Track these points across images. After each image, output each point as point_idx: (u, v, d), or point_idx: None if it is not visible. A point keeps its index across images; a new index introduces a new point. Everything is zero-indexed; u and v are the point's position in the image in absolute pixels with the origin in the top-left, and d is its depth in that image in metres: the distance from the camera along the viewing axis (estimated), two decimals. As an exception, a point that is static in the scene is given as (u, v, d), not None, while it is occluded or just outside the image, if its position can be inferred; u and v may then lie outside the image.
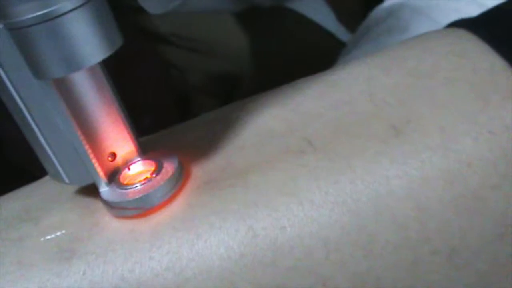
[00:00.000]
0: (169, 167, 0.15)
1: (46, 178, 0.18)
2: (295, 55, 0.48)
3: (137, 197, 0.15)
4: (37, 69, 0.13)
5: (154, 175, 0.15)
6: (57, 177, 0.15)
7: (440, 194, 0.14)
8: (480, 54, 0.16)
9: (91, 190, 0.16)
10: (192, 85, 0.48)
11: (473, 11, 0.26)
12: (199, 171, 0.16)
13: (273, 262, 0.14)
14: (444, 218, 0.14)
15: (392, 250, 0.14)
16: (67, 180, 0.15)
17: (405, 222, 0.14)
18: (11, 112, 0.15)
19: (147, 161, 0.16)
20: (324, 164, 0.15)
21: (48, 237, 0.15)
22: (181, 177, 0.15)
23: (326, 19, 0.51)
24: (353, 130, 0.15)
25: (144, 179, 0.15)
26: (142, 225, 0.15)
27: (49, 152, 0.15)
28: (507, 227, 0.14)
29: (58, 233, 0.15)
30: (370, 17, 0.34)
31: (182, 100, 0.48)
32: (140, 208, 0.15)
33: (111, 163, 0.16)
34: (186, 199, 0.15)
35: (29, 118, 0.14)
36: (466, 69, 0.16)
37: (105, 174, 0.15)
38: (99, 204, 0.15)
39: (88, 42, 0.13)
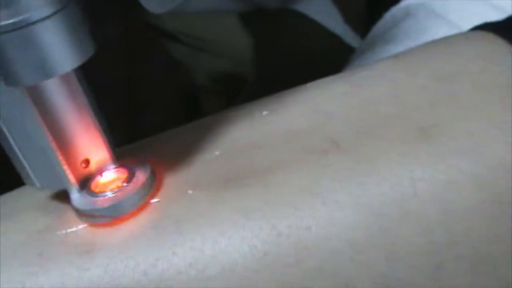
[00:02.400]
0: (141, 175, 0.15)
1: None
2: (301, 57, 0.47)
3: (106, 205, 0.15)
4: (8, 77, 0.13)
5: (125, 184, 0.15)
6: (29, 181, 0.15)
7: (467, 198, 0.14)
8: (507, 58, 0.16)
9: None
10: (198, 84, 0.48)
11: (491, 14, 0.26)
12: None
13: (296, 262, 0.14)
14: (470, 223, 0.14)
15: (416, 253, 0.14)
16: (38, 185, 0.15)
17: (430, 225, 0.14)
18: None
19: (120, 169, 0.16)
20: (348, 165, 0.15)
21: (70, 230, 0.15)
22: (153, 186, 0.15)
23: (334, 21, 0.50)
24: (378, 131, 0.15)
25: (115, 187, 0.15)
26: (165, 221, 0.15)
27: (21, 157, 0.15)
28: None
29: (80, 226, 0.15)
30: (385, 18, 0.34)
31: (188, 98, 0.48)
32: (109, 216, 0.15)
33: (84, 169, 0.16)
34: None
35: (1, 123, 0.14)
36: (493, 72, 0.15)
37: (77, 180, 0.15)
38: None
39: (60, 50, 0.13)
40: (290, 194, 0.14)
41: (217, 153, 0.17)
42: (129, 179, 0.15)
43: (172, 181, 0.16)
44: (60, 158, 0.15)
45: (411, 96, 0.16)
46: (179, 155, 0.16)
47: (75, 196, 0.15)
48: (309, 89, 0.18)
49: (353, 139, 0.15)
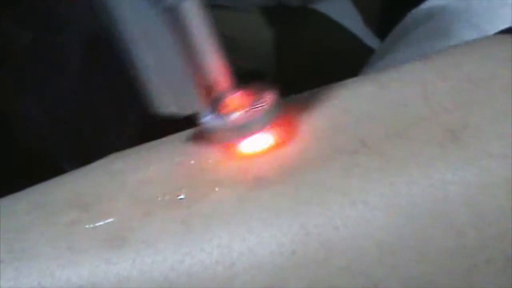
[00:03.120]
0: (267, 98, 0.16)
1: (91, 166, 0.18)
2: (320, 57, 0.47)
3: (241, 123, 0.16)
4: None
5: (255, 104, 0.16)
6: (162, 107, 0.16)
7: (499, 202, 0.14)
8: None
9: (141, 179, 0.16)
10: None
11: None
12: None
13: (325, 261, 0.14)
14: (502, 226, 0.14)
15: (447, 256, 0.14)
16: (175, 109, 0.16)
17: (461, 228, 0.14)
18: (125, 52, 0.16)
19: (245, 92, 0.17)
20: (378, 165, 0.15)
21: (98, 224, 0.15)
22: (279, 108, 0.16)
23: (354, 22, 0.50)
24: (408, 132, 0.15)
25: (245, 108, 0.16)
26: (194, 217, 0.15)
27: (156, 81, 0.16)
28: None
29: (109, 220, 0.15)
30: (407, 19, 0.34)
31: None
32: (243, 133, 0.16)
33: (209, 94, 0.17)
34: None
35: (140, 49, 0.15)
36: None
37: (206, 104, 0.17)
38: (150, 194, 0.15)
39: None
40: (319, 193, 0.14)
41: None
42: (257, 100, 0.16)
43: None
44: (194, 81, 0.16)
45: (441, 98, 0.16)
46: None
47: (208, 117, 0.16)
48: (337, 89, 0.18)
49: (382, 140, 0.15)
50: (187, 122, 0.19)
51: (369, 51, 0.46)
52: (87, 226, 0.15)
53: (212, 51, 0.16)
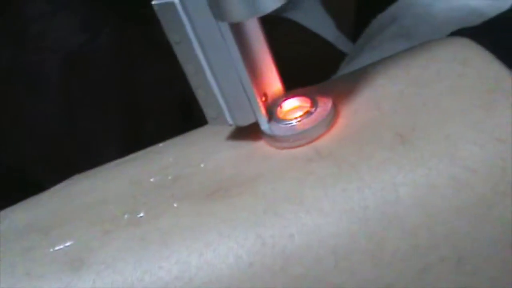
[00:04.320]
0: (325, 101, 0.17)
1: (54, 188, 0.18)
2: (294, 64, 0.48)
3: (301, 129, 0.16)
4: (221, 13, 0.15)
5: (313, 109, 0.16)
6: (219, 119, 0.17)
7: (448, 201, 0.14)
8: (484, 63, 0.16)
9: (101, 199, 0.16)
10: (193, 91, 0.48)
11: (472, 18, 0.26)
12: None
13: (282, 270, 0.14)
14: (452, 225, 0.14)
15: (401, 258, 0.14)
16: (230, 121, 0.17)
17: (413, 229, 0.14)
18: (182, 61, 0.16)
19: (300, 98, 0.17)
20: (331, 172, 0.15)
21: (58, 247, 0.15)
22: (336, 113, 0.17)
23: (326, 28, 0.51)
24: (360, 138, 0.15)
25: (304, 114, 0.16)
26: (152, 234, 0.15)
27: (218, 93, 0.16)
28: None
29: (68, 243, 0.15)
30: (373, 24, 0.34)
31: (184, 104, 0.48)
32: (304, 139, 0.16)
33: (264, 102, 0.17)
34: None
35: (203, 61, 0.16)
36: (470, 77, 0.16)
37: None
38: (110, 213, 0.16)
39: None
40: (275, 203, 0.15)
41: (202, 165, 0.17)
42: (314, 106, 0.17)
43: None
44: (255, 91, 0.16)
45: (391, 102, 0.16)
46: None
47: (266, 126, 0.17)
48: None
49: (335, 146, 0.15)
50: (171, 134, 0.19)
51: (343, 56, 0.47)
52: (46, 250, 0.15)
53: (269, 61, 0.17)
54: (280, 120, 0.17)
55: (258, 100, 0.16)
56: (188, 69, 0.16)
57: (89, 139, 0.39)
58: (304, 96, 0.17)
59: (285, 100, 0.17)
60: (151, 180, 0.17)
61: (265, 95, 0.17)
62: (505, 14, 0.18)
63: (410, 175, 0.14)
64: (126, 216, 0.16)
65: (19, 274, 0.14)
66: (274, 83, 0.18)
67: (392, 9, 0.33)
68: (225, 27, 0.15)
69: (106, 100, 0.38)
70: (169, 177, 0.17)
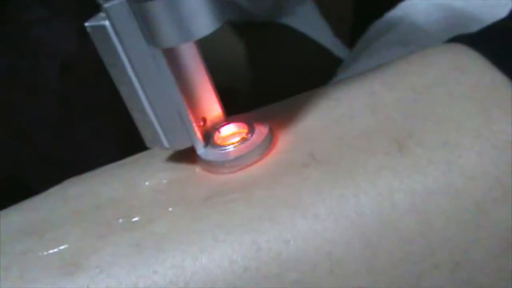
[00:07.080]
0: (261, 129, 0.17)
1: (48, 191, 0.18)
2: (290, 71, 0.48)
3: (235, 156, 0.16)
4: (153, 38, 0.14)
5: (249, 135, 0.16)
6: (156, 142, 0.17)
7: (444, 208, 0.14)
8: (480, 70, 0.16)
9: (95, 203, 0.16)
10: None
11: (470, 25, 0.27)
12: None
13: (277, 276, 0.14)
14: (447, 232, 0.14)
15: (395, 264, 0.14)
16: (166, 145, 0.16)
17: (408, 236, 0.14)
18: (117, 83, 0.16)
19: (237, 124, 0.17)
20: (327, 178, 0.15)
21: (52, 251, 0.15)
22: (272, 138, 0.17)
23: (323, 34, 0.51)
24: (356, 144, 0.15)
25: (239, 140, 0.16)
26: (147, 239, 0.15)
27: (152, 118, 0.16)
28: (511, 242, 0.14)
29: (62, 247, 0.15)
30: (369, 31, 0.34)
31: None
32: (239, 165, 0.16)
33: (202, 127, 0.17)
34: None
35: (137, 85, 0.16)
36: (467, 84, 0.16)
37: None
38: (104, 218, 0.15)
39: (200, 15, 0.14)
40: (270, 208, 0.15)
41: (197, 170, 0.17)
42: (251, 132, 0.17)
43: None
44: (190, 116, 0.16)
45: (387, 109, 0.16)
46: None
47: (202, 150, 0.17)
48: (286, 105, 0.18)
49: (332, 152, 0.15)
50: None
51: (339, 62, 0.47)
52: (40, 253, 0.15)
53: (208, 85, 0.17)
54: (216, 146, 0.17)
55: (194, 125, 0.16)
56: (123, 91, 0.16)
57: (86, 142, 0.38)
58: (242, 122, 0.17)
59: (224, 125, 0.17)
60: (146, 184, 0.17)
61: (203, 119, 0.17)
62: (502, 22, 0.18)
63: (406, 181, 0.14)
64: (120, 220, 0.15)
65: (13, 277, 0.14)
66: (213, 108, 0.17)
67: (389, 16, 0.33)
68: (158, 52, 0.15)
69: (102, 104, 0.38)
70: (164, 181, 0.17)
